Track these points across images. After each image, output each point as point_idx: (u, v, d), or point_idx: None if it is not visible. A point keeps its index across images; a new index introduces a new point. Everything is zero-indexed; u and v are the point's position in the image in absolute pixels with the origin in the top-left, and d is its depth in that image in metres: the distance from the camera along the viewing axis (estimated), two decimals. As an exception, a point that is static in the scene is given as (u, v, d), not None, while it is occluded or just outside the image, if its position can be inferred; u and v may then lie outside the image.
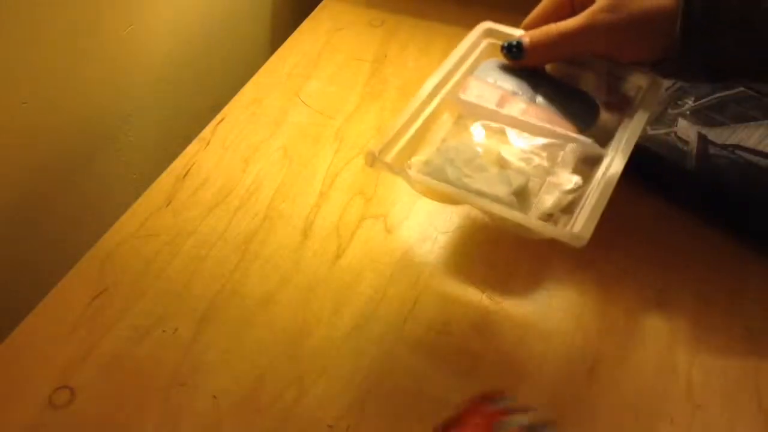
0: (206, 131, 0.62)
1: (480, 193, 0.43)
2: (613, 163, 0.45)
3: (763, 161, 0.52)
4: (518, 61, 0.50)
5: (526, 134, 0.47)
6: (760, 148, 0.52)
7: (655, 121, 0.55)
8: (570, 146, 0.46)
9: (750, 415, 0.43)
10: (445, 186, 0.44)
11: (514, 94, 0.49)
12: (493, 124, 0.48)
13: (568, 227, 0.42)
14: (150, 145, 0.68)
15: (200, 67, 0.72)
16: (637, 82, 0.51)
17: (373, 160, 0.44)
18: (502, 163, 0.46)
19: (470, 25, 0.54)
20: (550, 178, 0.45)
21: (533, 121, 0.47)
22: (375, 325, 0.48)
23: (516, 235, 0.45)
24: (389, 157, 0.45)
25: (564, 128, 0.47)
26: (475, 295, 0.49)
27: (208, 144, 0.61)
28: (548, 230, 0.42)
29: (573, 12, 0.48)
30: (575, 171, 0.46)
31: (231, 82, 0.69)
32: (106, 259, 0.52)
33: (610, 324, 0.48)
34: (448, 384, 0.45)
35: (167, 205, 0.56)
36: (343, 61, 0.70)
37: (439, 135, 0.48)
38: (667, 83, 0.57)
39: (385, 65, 0.69)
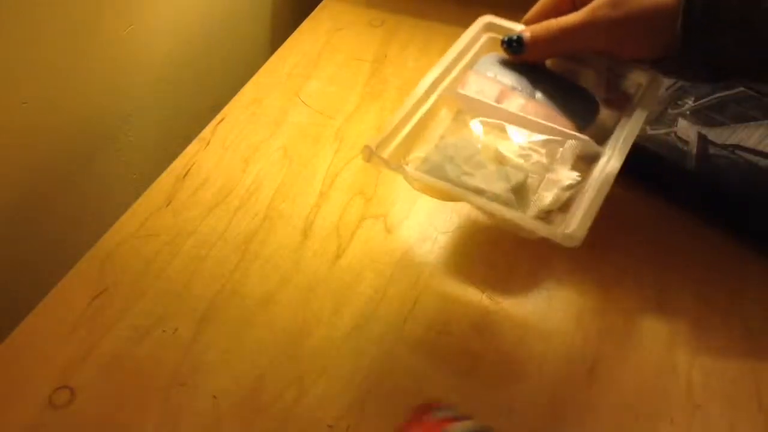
0: (206, 131, 0.62)
1: (478, 191, 0.43)
2: (611, 161, 0.45)
3: (763, 161, 0.52)
4: (518, 56, 0.50)
5: (525, 130, 0.47)
6: (760, 148, 0.52)
7: (655, 121, 0.55)
8: (569, 143, 0.46)
9: (750, 415, 0.43)
10: (443, 184, 0.44)
11: (514, 89, 0.49)
12: (492, 121, 0.48)
13: (563, 227, 0.41)
14: (150, 145, 0.67)
15: (200, 67, 0.72)
16: (636, 79, 0.50)
17: (370, 154, 0.44)
18: (501, 160, 0.46)
19: (470, 26, 0.54)
20: (549, 175, 0.45)
21: (532, 117, 0.47)
22: (375, 325, 0.48)
23: (516, 235, 0.45)
24: (387, 153, 0.45)
25: (563, 125, 0.47)
26: (475, 295, 0.49)
27: (208, 144, 0.61)
28: (542, 229, 0.42)
29: (574, 8, 0.48)
30: (573, 168, 0.46)
31: (231, 82, 0.69)
32: (106, 259, 0.52)
33: (610, 324, 0.48)
34: (448, 384, 0.45)
35: (167, 205, 0.56)
36: (343, 61, 0.70)
37: (438, 131, 0.48)
38: (667, 83, 0.57)
39: (385, 65, 0.69)
